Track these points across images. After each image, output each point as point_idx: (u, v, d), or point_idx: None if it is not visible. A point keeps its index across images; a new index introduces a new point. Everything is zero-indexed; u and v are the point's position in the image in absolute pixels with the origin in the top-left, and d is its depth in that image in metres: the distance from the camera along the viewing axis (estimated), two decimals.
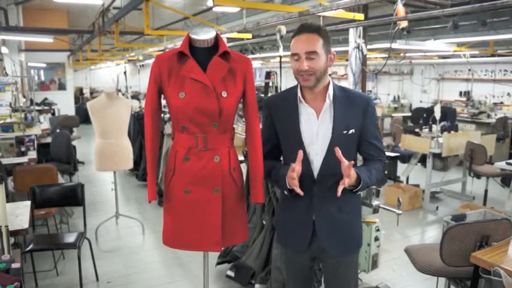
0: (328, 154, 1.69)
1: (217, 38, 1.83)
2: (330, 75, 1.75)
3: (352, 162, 1.60)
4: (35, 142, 4.95)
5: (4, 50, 7.93)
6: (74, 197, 3.32)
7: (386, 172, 1.82)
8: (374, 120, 1.77)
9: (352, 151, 1.75)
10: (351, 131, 1.70)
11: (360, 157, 1.86)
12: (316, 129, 1.71)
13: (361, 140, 1.75)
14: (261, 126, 1.92)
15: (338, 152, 1.58)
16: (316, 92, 1.71)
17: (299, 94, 1.74)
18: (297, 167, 1.63)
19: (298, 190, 1.63)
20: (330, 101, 1.70)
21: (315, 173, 1.72)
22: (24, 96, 8.67)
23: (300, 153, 1.63)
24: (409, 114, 10.19)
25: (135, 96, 11.90)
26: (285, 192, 1.76)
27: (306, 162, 1.71)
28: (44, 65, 12.48)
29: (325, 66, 1.66)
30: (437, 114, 5.21)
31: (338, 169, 1.64)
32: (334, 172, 1.66)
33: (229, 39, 5.58)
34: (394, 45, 4.94)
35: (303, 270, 1.90)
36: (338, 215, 1.75)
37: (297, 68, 1.66)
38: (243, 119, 2.09)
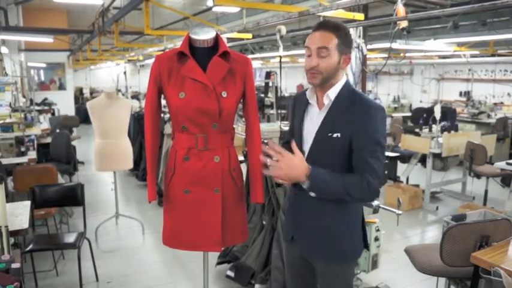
0: (310, 154, 1.68)
1: (217, 38, 1.83)
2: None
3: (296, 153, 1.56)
4: (35, 142, 4.94)
5: (4, 50, 7.93)
6: (73, 197, 3.32)
7: (365, 191, 1.57)
8: (370, 130, 1.58)
9: (340, 157, 1.63)
10: (335, 135, 1.61)
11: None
12: (314, 128, 1.70)
13: (352, 149, 1.62)
14: (261, 126, 1.94)
15: (293, 145, 1.57)
16: (324, 91, 1.67)
17: (308, 92, 1.72)
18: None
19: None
20: (329, 101, 1.66)
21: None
22: (24, 96, 8.67)
23: (292, 142, 1.62)
24: (409, 114, 10.18)
25: (135, 96, 11.89)
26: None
27: None
28: (44, 65, 12.48)
29: (335, 67, 1.60)
30: (437, 114, 5.21)
31: None
32: None
33: (229, 39, 5.58)
34: (394, 45, 4.94)
35: (295, 265, 1.87)
36: (316, 220, 1.70)
37: (307, 64, 1.61)
38: (243, 119, 2.09)
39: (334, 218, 1.70)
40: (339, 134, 1.61)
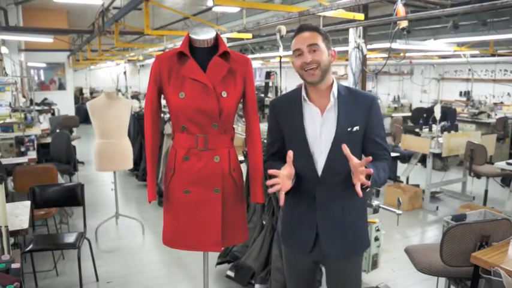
0: (331, 153, 1.68)
1: (217, 38, 1.83)
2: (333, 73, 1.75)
3: (369, 158, 1.53)
4: (35, 142, 4.95)
5: (4, 50, 7.92)
6: (73, 197, 3.32)
7: (390, 171, 1.78)
8: (379, 119, 1.75)
9: (356, 149, 1.71)
10: (355, 128, 1.68)
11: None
12: (319, 128, 1.70)
13: (365, 139, 1.72)
14: (261, 126, 1.92)
15: (345, 148, 1.53)
16: (320, 91, 1.70)
17: (303, 93, 1.73)
18: (287, 169, 1.61)
19: (282, 196, 1.60)
20: (334, 100, 1.69)
21: (319, 172, 1.70)
22: (24, 96, 8.67)
23: (290, 153, 1.61)
24: (409, 114, 10.17)
25: (135, 96, 11.89)
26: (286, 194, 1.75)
27: (310, 162, 1.71)
28: (44, 65, 12.46)
29: (328, 60, 1.66)
30: (437, 114, 5.21)
31: (342, 168, 1.63)
32: (337, 171, 1.65)
33: (229, 39, 5.57)
34: (394, 45, 4.93)
35: (304, 273, 1.87)
36: (341, 216, 1.72)
37: (301, 62, 1.64)
38: (243, 119, 2.09)
39: (350, 210, 1.73)
40: (357, 127, 1.69)
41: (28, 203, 2.87)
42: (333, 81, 1.72)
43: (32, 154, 4.69)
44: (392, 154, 5.63)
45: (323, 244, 1.74)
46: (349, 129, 1.68)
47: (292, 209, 1.82)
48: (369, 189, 1.62)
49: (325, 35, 1.68)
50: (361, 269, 1.91)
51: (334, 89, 1.70)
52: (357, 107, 1.70)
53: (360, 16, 3.91)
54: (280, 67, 3.93)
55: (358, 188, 1.51)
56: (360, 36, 3.95)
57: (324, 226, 1.73)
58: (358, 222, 1.79)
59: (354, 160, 1.53)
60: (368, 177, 1.54)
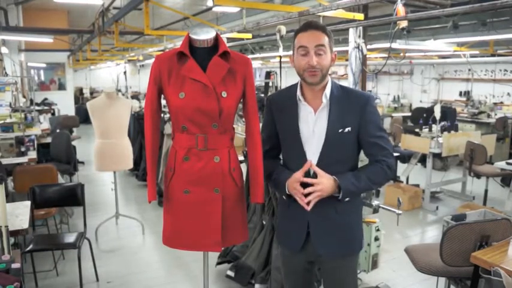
0: (323, 153, 1.69)
1: (217, 38, 1.83)
2: (330, 74, 1.75)
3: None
4: (35, 142, 4.95)
5: (4, 50, 7.92)
6: (73, 197, 3.32)
7: (388, 173, 1.74)
8: (374, 118, 1.72)
9: (350, 150, 1.73)
10: (347, 129, 1.68)
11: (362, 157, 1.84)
12: (312, 128, 1.71)
13: (361, 140, 1.72)
14: (261, 125, 1.92)
15: (313, 165, 1.65)
16: (315, 91, 1.71)
17: (298, 92, 1.74)
18: (298, 175, 1.66)
19: (303, 202, 1.65)
20: (327, 100, 1.70)
21: (311, 171, 1.71)
22: (24, 96, 8.67)
23: (308, 163, 1.66)
24: (409, 114, 10.17)
25: (135, 96, 11.88)
26: (284, 197, 1.77)
27: (304, 161, 1.71)
28: (44, 65, 12.46)
29: (330, 64, 1.67)
30: (437, 114, 5.21)
31: (334, 168, 1.66)
32: (329, 171, 1.66)
33: (229, 39, 5.58)
34: (394, 45, 4.94)
35: (299, 272, 1.88)
36: (334, 216, 1.72)
37: (305, 63, 1.63)
38: (243, 119, 2.08)
39: (344, 210, 1.73)
40: (349, 128, 1.69)
41: (28, 203, 2.87)
42: (328, 81, 1.72)
43: (32, 154, 4.69)
44: None
45: (315, 244, 1.75)
46: (340, 130, 1.68)
47: (286, 209, 1.84)
48: (346, 199, 1.66)
49: (330, 36, 1.67)
50: (356, 269, 1.91)
51: (327, 90, 1.70)
52: (350, 108, 1.70)
53: (360, 16, 3.91)
54: (280, 67, 3.93)
55: (311, 202, 1.63)
56: (359, 36, 3.96)
57: (315, 226, 1.74)
58: (351, 223, 1.79)
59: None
60: (339, 189, 1.63)
